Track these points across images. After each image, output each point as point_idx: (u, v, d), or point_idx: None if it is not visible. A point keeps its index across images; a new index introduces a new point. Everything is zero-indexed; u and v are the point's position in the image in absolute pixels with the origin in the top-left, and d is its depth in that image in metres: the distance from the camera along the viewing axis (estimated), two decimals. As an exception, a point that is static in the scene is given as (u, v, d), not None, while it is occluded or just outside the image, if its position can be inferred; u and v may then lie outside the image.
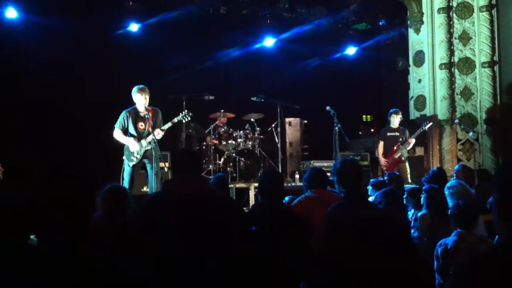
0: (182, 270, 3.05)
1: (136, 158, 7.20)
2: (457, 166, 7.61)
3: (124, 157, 7.33)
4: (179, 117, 7.44)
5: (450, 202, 5.37)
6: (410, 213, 5.31)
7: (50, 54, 9.50)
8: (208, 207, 3.30)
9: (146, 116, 7.15)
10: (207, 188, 3.58)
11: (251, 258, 3.68)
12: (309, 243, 4.13)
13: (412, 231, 4.85)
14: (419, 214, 5.00)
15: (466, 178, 6.63)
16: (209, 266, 3.06)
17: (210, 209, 3.30)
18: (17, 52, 9.39)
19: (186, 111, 7.56)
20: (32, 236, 2.46)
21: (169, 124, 7.28)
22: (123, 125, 7.27)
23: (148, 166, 7.24)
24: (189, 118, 7.55)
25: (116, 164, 7.64)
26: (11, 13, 9.32)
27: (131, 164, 7.22)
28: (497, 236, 4.19)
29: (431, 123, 9.83)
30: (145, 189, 7.87)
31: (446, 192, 5.36)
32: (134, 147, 7.18)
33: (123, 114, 7.30)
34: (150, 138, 7.12)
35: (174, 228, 3.14)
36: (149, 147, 7.16)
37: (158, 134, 7.12)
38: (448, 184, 5.48)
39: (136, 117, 7.26)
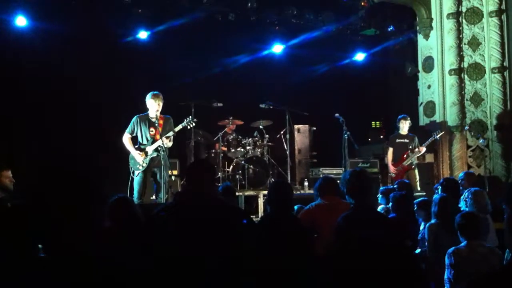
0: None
1: (142, 166, 7.19)
2: (461, 174, 7.48)
3: (130, 166, 7.32)
4: (184, 124, 7.44)
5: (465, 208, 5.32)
6: (422, 225, 5.28)
7: (59, 61, 9.56)
8: (216, 217, 3.30)
9: (156, 123, 7.16)
10: (217, 199, 3.58)
11: (258, 270, 3.67)
12: (315, 252, 4.13)
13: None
14: (427, 224, 4.97)
15: (473, 184, 6.53)
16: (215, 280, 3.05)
17: (218, 220, 3.29)
18: (26, 60, 9.46)
19: (190, 117, 7.53)
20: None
21: (173, 132, 7.28)
22: (132, 129, 7.30)
23: (158, 175, 7.24)
24: (194, 125, 7.53)
25: (125, 170, 7.63)
26: (21, 21, 9.38)
27: (137, 172, 7.22)
28: (507, 251, 4.16)
29: (442, 132, 9.75)
30: (153, 197, 7.86)
31: (467, 200, 5.30)
32: (138, 159, 7.19)
33: (134, 119, 7.35)
34: (156, 145, 7.13)
35: (182, 241, 3.14)
36: (155, 154, 7.16)
37: (164, 142, 7.12)
38: (468, 193, 5.40)
39: (148, 122, 7.27)
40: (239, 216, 3.61)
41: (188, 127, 7.56)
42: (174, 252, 3.13)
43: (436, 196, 5.17)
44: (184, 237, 3.19)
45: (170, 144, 7.28)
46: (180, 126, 7.39)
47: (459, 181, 6.94)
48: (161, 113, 7.33)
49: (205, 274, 3.09)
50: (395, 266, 3.42)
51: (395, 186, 6.86)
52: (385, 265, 3.34)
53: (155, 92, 7.29)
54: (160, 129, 7.19)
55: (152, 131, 7.26)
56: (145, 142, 7.30)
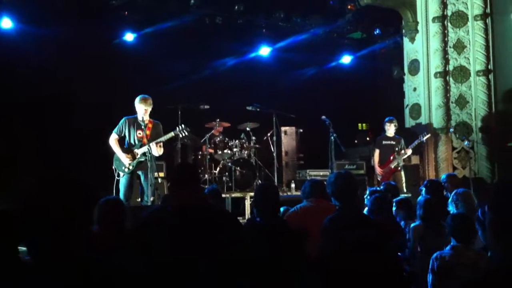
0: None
1: (128, 169, 7.14)
2: (443, 176, 7.49)
3: (114, 167, 7.25)
4: (176, 131, 7.35)
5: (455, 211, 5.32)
6: (402, 224, 5.31)
7: (45, 64, 9.51)
8: (204, 220, 3.30)
9: (143, 126, 7.12)
10: (204, 202, 3.58)
11: (248, 273, 3.67)
12: (304, 254, 4.13)
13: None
14: (412, 225, 4.99)
15: (456, 186, 6.53)
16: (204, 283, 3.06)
17: (206, 223, 3.30)
18: (13, 62, 9.39)
19: (183, 125, 7.42)
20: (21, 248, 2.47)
21: (164, 138, 7.21)
22: (120, 130, 7.26)
23: (142, 177, 7.19)
24: (186, 133, 7.44)
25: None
26: (6, 23, 9.32)
27: (122, 174, 7.16)
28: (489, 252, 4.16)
29: (429, 135, 9.81)
30: (139, 200, 7.82)
31: (454, 202, 5.28)
32: (124, 161, 7.14)
33: (122, 120, 7.30)
34: (144, 149, 7.07)
35: (174, 244, 3.14)
36: (143, 159, 7.11)
37: (155, 149, 7.05)
38: (455, 195, 5.39)
39: (136, 125, 7.22)
40: (229, 219, 3.61)
41: (180, 135, 7.49)
42: (166, 256, 3.13)
43: (420, 198, 5.20)
44: (175, 241, 3.19)
45: (161, 151, 7.20)
46: (171, 134, 7.27)
47: (443, 183, 7.00)
48: (152, 118, 7.29)
49: (198, 277, 3.09)
50: (381, 269, 3.45)
51: (381, 187, 6.91)
52: (372, 267, 3.37)
53: (144, 96, 7.22)
54: (148, 132, 7.14)
55: (139, 133, 7.21)
56: (133, 143, 7.26)
